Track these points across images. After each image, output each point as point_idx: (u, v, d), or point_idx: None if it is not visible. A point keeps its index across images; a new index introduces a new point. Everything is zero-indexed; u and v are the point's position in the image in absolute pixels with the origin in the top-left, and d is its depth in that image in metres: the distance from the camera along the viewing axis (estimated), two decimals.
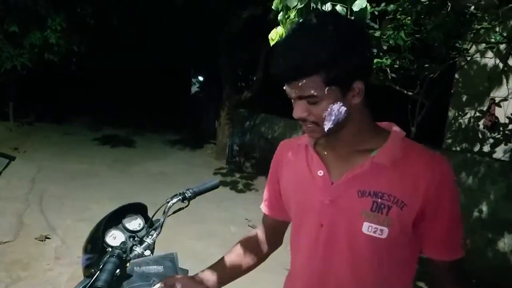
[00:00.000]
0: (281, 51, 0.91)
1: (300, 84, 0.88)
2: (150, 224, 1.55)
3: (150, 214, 1.59)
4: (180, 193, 1.61)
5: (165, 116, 11.45)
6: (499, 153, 4.70)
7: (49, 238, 3.87)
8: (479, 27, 3.08)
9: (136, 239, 1.49)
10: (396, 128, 1.01)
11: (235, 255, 1.23)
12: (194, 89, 14.43)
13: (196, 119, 11.40)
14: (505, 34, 3.63)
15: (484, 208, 3.88)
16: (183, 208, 1.62)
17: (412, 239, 0.96)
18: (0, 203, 4.58)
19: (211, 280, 1.16)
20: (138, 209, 1.60)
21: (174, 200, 1.59)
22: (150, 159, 7.96)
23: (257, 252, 1.25)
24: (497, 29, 3.66)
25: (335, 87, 0.88)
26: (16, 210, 4.47)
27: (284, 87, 0.93)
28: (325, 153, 1.03)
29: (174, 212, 1.59)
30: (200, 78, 14.07)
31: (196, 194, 1.64)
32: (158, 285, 1.09)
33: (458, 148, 5.01)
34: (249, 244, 1.26)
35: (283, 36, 1.82)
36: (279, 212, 1.19)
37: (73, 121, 11.28)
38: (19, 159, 6.71)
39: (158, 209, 1.57)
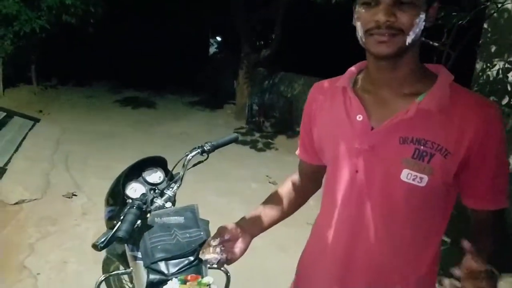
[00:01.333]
0: None
1: None
2: (170, 177, 1.56)
3: (170, 167, 1.60)
4: (199, 146, 1.61)
5: (185, 78, 11.43)
6: None
7: (76, 195, 4.00)
8: None
9: (156, 191, 1.51)
10: (444, 71, 0.94)
11: (276, 200, 1.21)
12: (212, 50, 14.24)
13: (215, 80, 11.34)
14: None
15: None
16: (202, 161, 1.62)
17: (450, 190, 0.93)
18: (27, 163, 4.70)
19: (255, 226, 1.15)
20: (158, 162, 1.61)
21: (193, 153, 1.59)
22: (171, 119, 8.02)
23: (296, 196, 1.23)
24: None
25: None
26: (42, 170, 4.59)
27: None
28: (366, 96, 0.97)
29: (193, 165, 1.60)
30: (218, 39, 13.84)
31: (214, 148, 1.64)
32: (216, 241, 1.05)
33: None
34: (288, 189, 1.23)
35: None
36: (315, 158, 1.14)
37: (94, 84, 11.39)
38: (43, 121, 6.90)
39: (178, 162, 1.58)
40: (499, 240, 0.93)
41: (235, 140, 1.73)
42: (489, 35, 4.80)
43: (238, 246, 1.08)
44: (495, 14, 4.17)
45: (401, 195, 0.91)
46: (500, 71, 4.76)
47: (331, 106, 1.03)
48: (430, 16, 0.88)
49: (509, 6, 4.24)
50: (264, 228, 1.18)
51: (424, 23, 0.86)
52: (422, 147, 0.88)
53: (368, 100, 0.96)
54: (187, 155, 1.58)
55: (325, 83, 1.10)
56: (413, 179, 0.89)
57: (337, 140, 0.99)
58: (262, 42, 10.32)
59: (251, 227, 1.14)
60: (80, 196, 3.99)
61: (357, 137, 0.94)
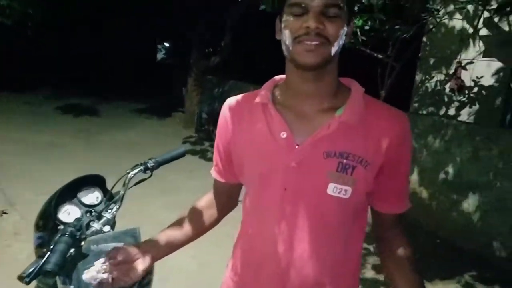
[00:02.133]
0: None
1: None
2: (109, 197, 1.44)
3: (109, 186, 1.48)
4: (141, 163, 1.50)
5: (131, 84, 11.08)
6: (464, 115, 4.79)
7: (6, 213, 3.69)
8: None
9: (93, 214, 1.38)
10: (356, 83, 0.98)
11: (186, 221, 1.16)
12: (160, 55, 13.97)
13: (163, 87, 11.09)
14: None
15: (450, 170, 3.96)
16: (145, 179, 1.52)
17: (367, 199, 0.98)
18: None
19: (158, 248, 1.09)
20: (96, 181, 1.48)
21: (135, 170, 1.48)
22: (116, 128, 7.71)
23: (209, 216, 1.19)
24: None
25: (348, 10, 0.88)
26: None
27: None
28: (287, 112, 0.96)
29: (135, 184, 1.49)
30: (166, 44, 13.61)
31: (159, 164, 1.54)
32: (101, 260, 0.99)
33: (424, 112, 5.07)
34: (202, 208, 1.19)
35: None
36: (232, 176, 1.11)
37: (34, 90, 10.70)
38: None
39: (118, 181, 1.46)
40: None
41: (182, 155, 1.64)
42: (428, 48, 5.05)
43: (134, 269, 1.01)
44: (433, 29, 4.39)
45: (329, 209, 0.93)
46: (438, 83, 5.03)
47: (251, 123, 1.00)
48: (348, 33, 0.92)
49: (446, 21, 4.49)
50: (169, 251, 1.12)
51: (345, 36, 0.90)
52: (345, 160, 0.90)
53: (289, 116, 0.95)
54: (129, 173, 1.47)
55: (240, 98, 1.08)
56: (339, 192, 0.91)
57: (261, 158, 0.97)
58: (211, 49, 10.25)
59: (153, 249, 1.08)
60: (12, 214, 3.69)
61: (283, 155, 0.93)
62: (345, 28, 0.88)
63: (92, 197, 1.45)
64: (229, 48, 7.94)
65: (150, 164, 1.51)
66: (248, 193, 1.06)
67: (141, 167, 1.49)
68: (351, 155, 0.90)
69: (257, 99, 0.99)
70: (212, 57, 8.38)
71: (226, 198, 1.21)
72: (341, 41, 0.88)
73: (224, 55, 8.03)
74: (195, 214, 1.18)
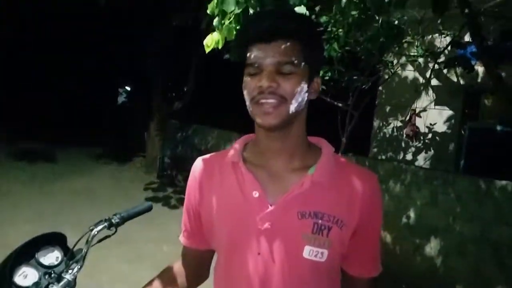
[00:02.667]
0: (260, 13, 0.89)
1: (282, 46, 0.83)
2: (70, 256, 1.35)
3: (71, 244, 1.40)
4: (105, 219, 1.43)
5: (90, 128, 10.81)
6: (421, 160, 5.00)
7: None
8: (403, 41, 3.23)
9: (53, 275, 1.29)
10: (325, 142, 0.98)
11: None
12: (121, 99, 13.84)
13: (123, 131, 10.89)
14: (424, 48, 3.86)
15: (412, 214, 4.06)
16: (109, 236, 1.44)
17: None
18: None
19: None
20: (56, 239, 1.39)
21: (99, 227, 1.41)
22: (73, 174, 7.39)
23: None
24: (417, 43, 3.90)
25: (308, 66, 0.86)
26: None
27: (254, 54, 0.85)
28: (258, 171, 0.93)
29: (99, 241, 1.41)
30: (127, 88, 13.53)
31: (124, 220, 1.47)
32: None
33: (383, 157, 5.25)
34: (168, 280, 1.09)
35: (219, 42, 1.73)
36: (203, 242, 1.04)
37: None
38: None
39: (80, 239, 1.38)
40: None
41: (148, 210, 1.58)
42: (384, 96, 5.31)
43: None
44: (388, 79, 4.65)
45: (305, 272, 0.89)
46: (395, 129, 5.26)
47: (222, 183, 0.96)
48: (313, 89, 0.91)
49: (399, 71, 4.77)
50: None
51: (307, 93, 0.88)
52: (320, 220, 0.87)
53: (261, 175, 0.92)
54: (92, 230, 1.39)
55: (210, 158, 1.04)
56: (315, 255, 0.87)
57: (232, 220, 0.92)
58: (174, 94, 10.29)
59: None
60: None
61: (255, 216, 0.89)
62: (303, 85, 0.85)
63: (51, 257, 1.36)
64: (192, 93, 8.00)
65: (115, 220, 1.44)
66: (219, 259, 1.00)
67: (105, 224, 1.42)
68: (326, 215, 0.87)
69: (227, 158, 0.96)
70: (175, 101, 8.39)
71: (197, 267, 1.11)
72: (299, 97, 0.85)
73: (187, 100, 8.07)
74: (163, 285, 1.07)
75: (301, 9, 1.63)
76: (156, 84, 8.20)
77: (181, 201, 6.20)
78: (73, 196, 5.92)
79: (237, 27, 1.54)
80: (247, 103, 0.88)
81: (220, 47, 1.75)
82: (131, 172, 8.19)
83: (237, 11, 1.59)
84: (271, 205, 0.89)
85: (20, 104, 10.75)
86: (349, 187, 0.90)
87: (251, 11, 1.54)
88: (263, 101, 0.84)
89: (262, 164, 0.94)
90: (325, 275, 0.91)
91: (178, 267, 1.12)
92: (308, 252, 0.87)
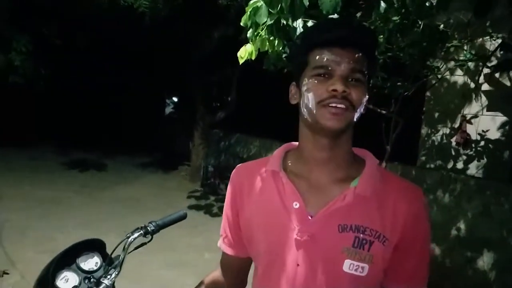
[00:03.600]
0: (336, 20, 0.89)
1: (356, 55, 0.84)
2: (109, 262, 1.40)
3: (109, 247, 1.44)
4: (142, 227, 1.47)
5: (138, 139, 11.19)
6: (472, 169, 4.73)
7: (8, 274, 3.58)
8: (449, 45, 3.09)
9: (92, 280, 1.34)
10: (370, 154, 0.96)
11: None
12: (169, 110, 14.23)
13: (169, 141, 11.19)
14: (473, 52, 3.67)
15: (462, 226, 3.85)
16: (145, 243, 1.48)
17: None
18: None
19: None
20: (95, 246, 1.44)
21: (135, 235, 1.45)
22: (120, 183, 7.68)
23: None
24: (466, 47, 3.71)
25: (368, 78, 0.88)
26: None
27: (327, 57, 0.85)
28: (299, 181, 0.91)
29: (136, 248, 1.45)
30: (175, 99, 13.90)
31: (160, 227, 1.50)
32: None
33: (432, 166, 5.03)
34: None
35: (252, 54, 1.73)
36: (242, 249, 1.04)
37: (39, 145, 10.81)
38: None
39: (118, 245, 1.42)
40: None
41: (183, 218, 1.60)
42: (432, 102, 5.09)
43: None
44: (436, 84, 4.46)
45: (344, 287, 0.87)
46: (444, 136, 5.03)
47: (261, 192, 0.95)
48: (366, 100, 0.90)
49: (448, 76, 4.56)
50: None
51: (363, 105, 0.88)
52: (361, 234, 0.85)
53: (301, 186, 0.91)
54: (129, 237, 1.43)
55: (250, 166, 1.04)
56: (355, 270, 0.85)
57: (271, 230, 0.91)
58: (218, 104, 10.46)
59: None
60: (12, 274, 3.58)
61: (295, 227, 0.88)
62: (366, 95, 0.87)
63: (91, 262, 1.42)
64: (235, 103, 8.09)
65: (150, 227, 1.48)
66: (257, 269, 0.99)
67: (141, 231, 1.46)
68: (368, 229, 0.85)
69: (268, 167, 0.95)
70: (218, 111, 8.53)
71: (235, 275, 1.12)
72: (362, 107, 0.86)
73: (230, 110, 8.17)
74: None
75: (334, 17, 1.60)
76: (200, 95, 8.37)
77: (222, 209, 6.25)
78: (119, 204, 6.14)
79: (270, 38, 1.54)
80: (310, 105, 0.86)
81: (253, 58, 1.75)
82: (175, 181, 8.38)
83: (269, 22, 1.58)
84: (311, 217, 0.87)
85: (72, 116, 11.32)
86: (393, 202, 0.87)
87: (283, 21, 1.54)
88: (334, 104, 0.83)
89: (304, 174, 0.92)
90: None
91: (217, 275, 1.14)
92: (348, 266, 0.85)
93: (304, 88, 0.87)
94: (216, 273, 1.14)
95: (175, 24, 7.03)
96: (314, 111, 0.85)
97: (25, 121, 10.64)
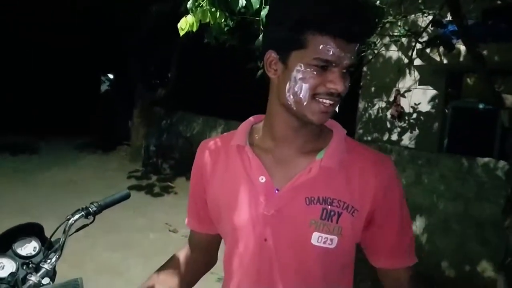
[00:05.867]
0: (353, 4, 0.77)
1: (355, 48, 0.79)
2: (48, 246, 1.33)
3: (48, 232, 1.37)
4: (82, 208, 1.40)
5: (73, 119, 10.61)
6: (406, 140, 5.04)
7: None
8: (385, 21, 3.20)
9: (30, 266, 1.27)
10: (338, 125, 0.93)
11: (159, 284, 1.02)
12: (104, 87, 13.59)
13: (107, 120, 10.72)
14: (407, 28, 3.84)
15: None
16: (87, 224, 1.41)
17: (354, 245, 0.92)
18: None
19: None
20: (33, 230, 1.36)
21: (76, 216, 1.38)
22: (56, 166, 7.28)
23: (186, 275, 1.06)
24: (400, 23, 3.87)
25: None
26: None
27: (332, 50, 0.76)
28: (265, 155, 0.90)
29: (77, 230, 1.38)
30: (110, 76, 13.28)
31: (102, 208, 1.44)
32: None
33: (369, 138, 5.28)
34: (176, 267, 1.06)
35: (194, 25, 1.68)
36: (211, 226, 1.01)
37: None
38: None
39: (57, 228, 1.36)
40: None
41: (126, 198, 1.55)
42: (368, 77, 5.31)
43: None
44: (372, 60, 4.63)
45: (313, 259, 0.86)
46: (380, 110, 5.28)
47: (226, 167, 0.93)
48: None
49: (383, 52, 4.76)
50: None
51: None
52: (329, 206, 0.84)
53: (267, 160, 0.89)
54: (69, 219, 1.36)
55: (215, 141, 1.00)
56: (324, 242, 0.84)
57: (238, 206, 0.90)
58: (158, 81, 10.14)
59: None
60: None
61: (262, 201, 0.87)
62: None
63: (29, 247, 1.34)
64: (176, 80, 7.90)
65: (92, 208, 1.41)
66: (227, 245, 0.97)
67: (83, 212, 1.40)
68: (336, 201, 0.84)
69: (233, 142, 0.92)
70: (158, 88, 8.28)
71: (204, 252, 1.09)
72: None
73: (171, 87, 7.97)
74: (168, 276, 1.03)
75: None
76: (138, 72, 8.07)
77: (165, 189, 6.17)
78: (56, 188, 5.85)
79: (212, 9, 1.49)
80: (301, 95, 0.80)
81: (194, 30, 1.70)
82: (115, 162, 8.11)
83: None
84: (277, 191, 0.86)
85: None
86: (361, 172, 0.86)
87: None
88: (327, 102, 0.79)
89: (270, 148, 0.90)
90: (334, 263, 0.88)
91: (185, 254, 1.09)
92: (317, 238, 0.84)
93: (298, 75, 0.80)
94: (183, 252, 1.10)
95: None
96: (305, 103, 0.80)
97: None
